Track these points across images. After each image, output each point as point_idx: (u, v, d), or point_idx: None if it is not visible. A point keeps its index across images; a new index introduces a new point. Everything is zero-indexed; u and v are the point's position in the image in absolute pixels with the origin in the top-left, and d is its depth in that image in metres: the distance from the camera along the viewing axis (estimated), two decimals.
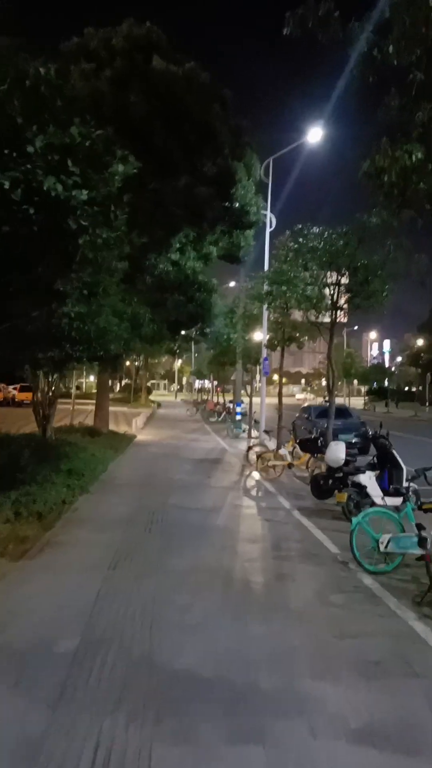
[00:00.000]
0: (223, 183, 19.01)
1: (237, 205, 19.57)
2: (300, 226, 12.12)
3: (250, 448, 14.42)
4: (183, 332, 23.82)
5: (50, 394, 14.39)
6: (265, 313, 20.52)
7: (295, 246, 12.53)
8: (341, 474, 8.69)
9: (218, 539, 7.05)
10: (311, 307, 12.66)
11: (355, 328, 78.78)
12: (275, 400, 27.30)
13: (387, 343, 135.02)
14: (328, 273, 12.39)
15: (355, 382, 74.30)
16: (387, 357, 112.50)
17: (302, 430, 19.51)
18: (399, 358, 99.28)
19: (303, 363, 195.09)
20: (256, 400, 24.94)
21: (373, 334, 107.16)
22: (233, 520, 8.13)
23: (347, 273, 11.88)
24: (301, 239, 12.22)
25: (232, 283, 31.54)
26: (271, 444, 14.51)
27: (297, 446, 13.39)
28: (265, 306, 18.89)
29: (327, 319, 13.47)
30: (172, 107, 17.75)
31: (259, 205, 20.07)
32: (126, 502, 9.12)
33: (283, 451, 12.66)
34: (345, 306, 12.28)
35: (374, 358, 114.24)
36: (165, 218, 18.67)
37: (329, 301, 12.40)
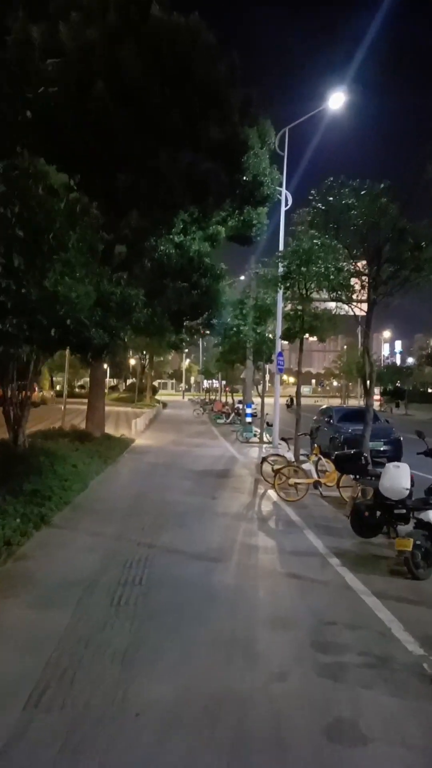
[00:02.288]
0: (231, 151, 16.40)
1: (248, 177, 16.96)
2: (331, 179, 9.51)
3: (264, 459, 11.85)
4: (187, 324, 21.23)
5: (23, 391, 11.89)
6: (280, 301, 18.02)
7: (324, 208, 9.93)
8: (403, 509, 6.11)
9: (226, 621, 4.48)
10: (343, 283, 10.08)
11: None
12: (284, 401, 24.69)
13: (398, 344, 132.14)
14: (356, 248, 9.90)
15: (368, 382, 71.34)
16: (398, 357, 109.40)
17: (326, 436, 16.89)
18: (410, 359, 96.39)
19: (312, 363, 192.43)
20: (268, 400, 22.40)
21: (387, 333, 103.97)
22: (247, 579, 5.55)
23: (390, 240, 9.30)
24: (331, 198, 9.61)
25: (242, 277, 28.95)
26: (289, 454, 11.95)
27: (321, 457, 10.83)
28: (281, 292, 16.43)
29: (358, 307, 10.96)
30: (172, 63, 15.20)
31: (274, 176, 17.46)
32: (97, 544, 6.57)
33: (307, 466, 10.07)
34: (387, 282, 9.65)
35: (387, 358, 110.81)
36: (165, 193, 16.14)
37: (364, 277, 9.85)
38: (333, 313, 15.38)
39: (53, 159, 9.78)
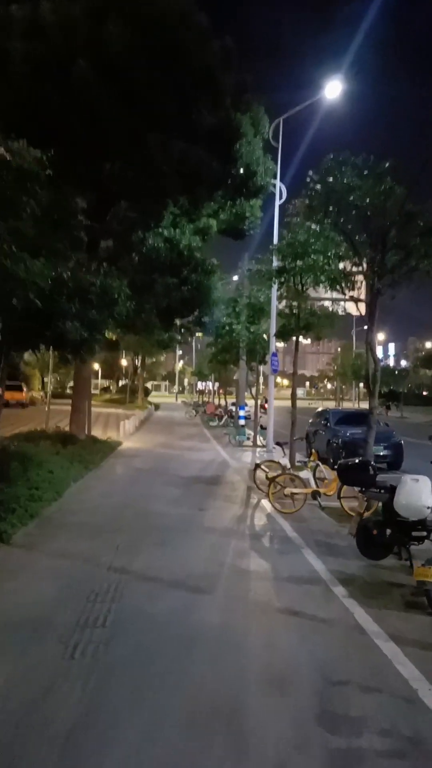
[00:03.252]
0: (224, 138, 15.49)
1: (241, 166, 16.03)
2: (332, 156, 8.59)
3: (257, 466, 10.90)
4: (177, 322, 20.27)
5: None
6: (274, 297, 17.14)
7: (323, 190, 9.00)
8: (423, 531, 5.18)
9: (206, 682, 3.52)
10: (345, 273, 9.18)
11: (365, 327, 75.66)
12: (280, 403, 23.81)
13: (392, 346, 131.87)
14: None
15: (361, 385, 70.92)
16: (392, 360, 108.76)
17: (322, 440, 15.98)
18: (403, 362, 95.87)
19: (305, 365, 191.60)
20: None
21: (381, 336, 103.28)
22: (234, 617, 4.59)
23: (396, 225, 8.41)
24: (331, 179, 8.69)
25: (234, 277, 28.14)
26: (284, 459, 11.02)
27: (319, 463, 9.91)
28: (275, 287, 15.57)
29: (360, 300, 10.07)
30: (160, 43, 14.25)
31: (268, 166, 16.54)
32: (60, 569, 5.60)
33: (305, 474, 9.12)
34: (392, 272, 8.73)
35: (381, 360, 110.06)
36: (153, 182, 15.20)
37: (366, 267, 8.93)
38: (330, 310, 14.49)
39: (34, 143, 8.88)
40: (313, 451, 10.64)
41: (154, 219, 16.74)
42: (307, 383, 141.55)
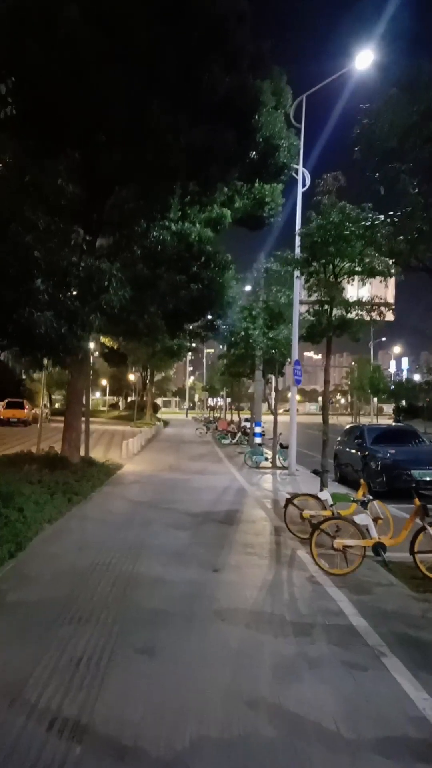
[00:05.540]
0: (239, 106, 13.11)
1: (260, 139, 13.58)
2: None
3: (289, 501, 8.29)
4: (186, 326, 17.82)
5: None
6: (297, 293, 14.73)
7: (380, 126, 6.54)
8: None
9: None
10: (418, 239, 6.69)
11: (383, 339, 73.17)
12: (286, 419, 21.10)
13: (405, 360, 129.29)
14: None
15: (375, 399, 68.30)
16: (405, 374, 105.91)
17: (357, 462, 13.38)
18: (417, 376, 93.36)
19: (318, 380, 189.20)
20: (281, 418, 18.90)
21: (397, 349, 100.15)
22: None
23: None
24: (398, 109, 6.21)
25: (247, 287, 25.75)
26: (324, 493, 8.38)
27: (371, 498, 7.32)
28: (299, 282, 13.21)
29: None
30: None
31: (291, 141, 14.16)
32: None
33: (362, 519, 6.50)
34: None
35: (396, 374, 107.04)
36: (157, 160, 12.83)
37: None
38: (370, 302, 11.88)
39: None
40: (362, 481, 8.04)
41: (160, 206, 14.35)
42: (320, 398, 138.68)
